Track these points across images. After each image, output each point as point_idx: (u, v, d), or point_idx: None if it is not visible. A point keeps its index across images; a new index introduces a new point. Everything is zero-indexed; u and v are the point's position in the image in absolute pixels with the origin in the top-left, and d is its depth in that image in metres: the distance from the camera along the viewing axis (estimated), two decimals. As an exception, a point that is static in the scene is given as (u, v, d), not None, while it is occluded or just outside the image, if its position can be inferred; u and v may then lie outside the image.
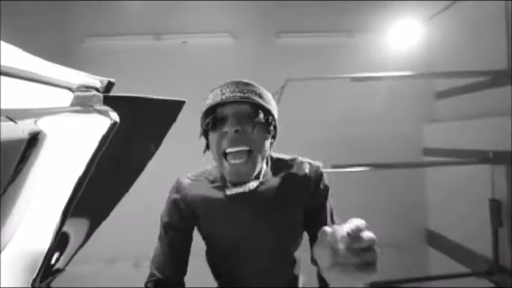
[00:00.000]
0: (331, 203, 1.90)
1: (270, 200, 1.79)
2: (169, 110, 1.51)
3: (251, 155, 1.66)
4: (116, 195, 1.54)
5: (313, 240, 1.86)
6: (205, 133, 1.77)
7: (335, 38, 6.52)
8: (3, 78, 0.88)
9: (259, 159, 1.70)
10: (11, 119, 0.80)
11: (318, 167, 1.90)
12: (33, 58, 1.02)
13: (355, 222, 1.03)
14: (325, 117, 6.28)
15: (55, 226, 1.13)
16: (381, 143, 6.29)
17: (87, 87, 1.21)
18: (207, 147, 1.80)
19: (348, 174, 4.63)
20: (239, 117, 1.64)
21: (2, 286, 1.02)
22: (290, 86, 4.50)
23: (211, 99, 1.72)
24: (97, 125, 1.13)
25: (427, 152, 6.70)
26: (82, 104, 1.17)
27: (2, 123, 0.79)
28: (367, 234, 1.03)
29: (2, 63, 0.87)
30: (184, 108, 1.53)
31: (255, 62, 6.26)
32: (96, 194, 1.34)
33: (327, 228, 1.03)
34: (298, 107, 5.60)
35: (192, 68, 6.19)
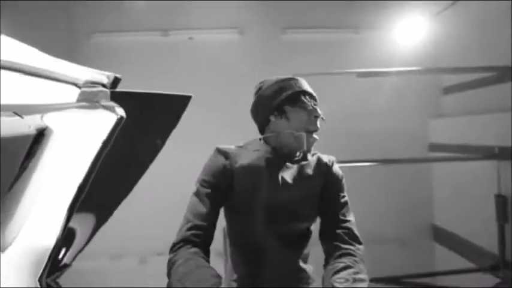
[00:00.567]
0: (344, 195, 2.07)
1: (303, 174, 1.99)
2: (175, 105, 1.51)
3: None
4: (122, 191, 1.54)
5: (321, 225, 2.05)
6: (279, 106, 2.03)
7: (341, 34, 6.51)
8: (10, 73, 0.88)
9: None
10: (18, 115, 0.80)
11: (333, 160, 2.15)
12: (40, 54, 1.02)
13: None
14: (331, 113, 6.22)
15: (61, 221, 1.13)
16: (387, 139, 6.28)
17: (94, 83, 1.21)
18: (264, 127, 2.08)
19: (354, 169, 4.63)
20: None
21: (9, 281, 1.02)
22: (296, 82, 4.51)
23: (287, 84, 2.10)
24: (103, 121, 1.13)
25: (433, 147, 6.69)
26: (88, 99, 1.17)
27: (9, 119, 0.79)
28: None
29: (9, 59, 0.88)
30: (191, 103, 1.53)
31: (261, 58, 6.26)
32: (102, 189, 1.34)
33: None
34: (304, 102, 5.58)
35: (199, 63, 6.20)
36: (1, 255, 0.97)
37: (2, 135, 0.75)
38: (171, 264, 1.68)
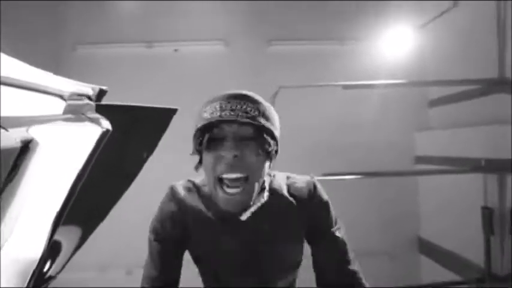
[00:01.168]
0: (338, 227, 1.80)
1: (266, 226, 1.70)
2: (161, 118, 1.51)
3: (248, 183, 1.55)
4: (108, 203, 1.54)
5: (316, 271, 1.81)
6: (198, 151, 1.64)
7: (327, 46, 6.55)
8: (-5, 86, 0.89)
9: (256, 187, 1.59)
10: (2, 127, 0.80)
11: (311, 183, 1.81)
12: (24, 66, 1.02)
13: None
14: (317, 125, 6.29)
15: (47, 234, 1.13)
16: (373, 151, 6.31)
17: (79, 95, 1.22)
18: (200, 164, 1.66)
19: (340, 182, 4.65)
20: (239, 140, 1.51)
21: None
22: (282, 94, 4.51)
23: (208, 114, 1.55)
24: (89, 133, 1.13)
25: (419, 160, 6.73)
26: (74, 112, 1.17)
27: (-5, 132, 0.79)
28: None
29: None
30: (177, 116, 1.53)
31: (247, 70, 6.29)
32: (89, 201, 1.33)
33: None
34: (290, 114, 5.60)
35: (184, 75, 6.21)
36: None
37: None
38: None
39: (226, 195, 1.53)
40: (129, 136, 1.42)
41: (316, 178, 1.84)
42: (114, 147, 1.21)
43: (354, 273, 1.74)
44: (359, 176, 5.00)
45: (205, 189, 1.77)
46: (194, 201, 1.76)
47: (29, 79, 1.02)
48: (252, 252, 1.71)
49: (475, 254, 5.02)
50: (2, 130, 0.80)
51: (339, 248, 1.76)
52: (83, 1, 6.18)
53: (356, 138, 6.37)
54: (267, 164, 1.62)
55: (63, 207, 1.12)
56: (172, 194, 1.81)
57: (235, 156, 1.48)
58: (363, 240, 6.17)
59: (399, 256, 6.60)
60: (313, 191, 1.77)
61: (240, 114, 1.50)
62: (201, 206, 1.74)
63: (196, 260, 1.85)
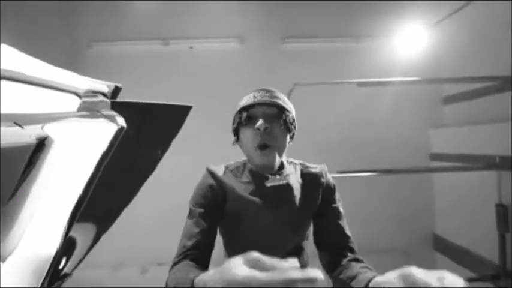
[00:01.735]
0: (340, 204, 2.12)
1: (290, 196, 2.01)
2: (176, 115, 1.51)
3: (274, 148, 1.93)
4: (123, 201, 1.54)
5: (319, 235, 2.11)
6: (236, 129, 2.04)
7: (342, 43, 6.52)
8: (10, 83, 0.88)
9: (281, 152, 2.00)
10: (18, 124, 0.80)
11: (324, 169, 2.15)
12: (40, 63, 1.02)
13: None
14: (332, 122, 6.27)
15: (62, 231, 1.13)
16: (388, 148, 6.28)
17: (94, 93, 1.22)
18: (237, 140, 2.07)
19: (355, 179, 4.63)
20: (268, 117, 1.92)
21: (10, 289, 1.02)
22: (297, 91, 4.50)
23: (245, 101, 2.00)
24: (104, 130, 1.13)
25: (434, 157, 6.69)
26: (89, 109, 1.17)
27: (10, 128, 0.79)
28: None
29: (9, 68, 0.88)
30: (192, 113, 1.53)
31: (262, 67, 6.27)
32: (103, 199, 1.34)
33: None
34: (305, 111, 5.57)
35: (199, 73, 6.20)
36: (1, 264, 0.97)
37: (2, 145, 0.75)
38: (166, 282, 1.70)
39: (261, 155, 1.90)
40: (144, 133, 1.42)
41: (326, 167, 2.17)
42: (128, 144, 1.21)
43: (349, 237, 2.04)
44: (374, 173, 4.98)
45: (240, 166, 2.12)
46: (227, 176, 2.04)
47: (44, 76, 1.02)
48: (273, 214, 1.98)
49: (489, 251, 4.99)
50: (18, 127, 0.80)
51: (340, 218, 2.08)
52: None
53: (371, 136, 6.34)
54: (288, 136, 2.01)
55: (78, 204, 1.12)
56: (209, 171, 2.05)
57: (266, 128, 1.86)
58: (377, 236, 6.14)
59: (414, 253, 6.55)
60: (325, 177, 2.12)
61: (267, 99, 1.96)
62: (236, 184, 2.01)
63: (226, 227, 2.08)
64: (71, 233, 1.18)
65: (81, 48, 6.24)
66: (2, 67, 0.86)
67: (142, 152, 1.50)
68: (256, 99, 1.95)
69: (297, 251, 2.10)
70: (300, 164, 2.19)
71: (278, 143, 1.95)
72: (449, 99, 6.53)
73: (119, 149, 1.15)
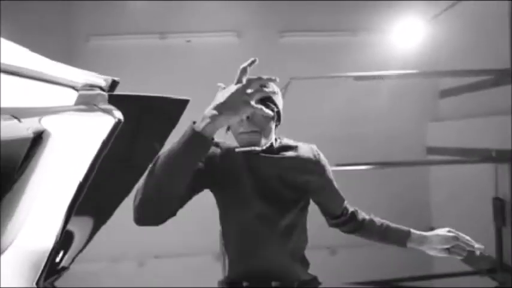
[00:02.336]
0: (330, 172, 2.23)
1: (286, 166, 2.07)
2: (173, 109, 1.52)
3: (258, 133, 1.96)
4: (120, 194, 1.55)
5: (324, 208, 2.28)
6: None
7: (339, 37, 6.52)
8: (8, 76, 0.88)
9: (265, 135, 2.00)
10: (15, 117, 0.80)
11: (315, 148, 2.22)
12: (38, 57, 1.02)
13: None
14: (328, 116, 6.28)
15: (59, 225, 1.13)
16: (385, 142, 6.29)
17: (92, 86, 1.22)
18: (228, 128, 2.07)
19: (351, 172, 4.64)
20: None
21: (6, 285, 1.02)
22: (294, 85, 4.50)
23: None
24: (101, 124, 1.13)
25: (431, 150, 6.70)
26: (87, 102, 1.18)
27: (7, 122, 0.79)
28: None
29: (7, 62, 0.88)
30: (189, 106, 1.54)
31: (259, 61, 6.27)
32: (101, 192, 1.34)
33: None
34: (302, 105, 5.59)
35: (196, 66, 6.20)
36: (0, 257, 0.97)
37: (0, 139, 0.75)
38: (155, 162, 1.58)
39: (246, 136, 1.95)
40: (141, 126, 1.42)
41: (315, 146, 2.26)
42: (126, 137, 1.21)
43: (347, 208, 2.26)
44: (371, 167, 4.99)
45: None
46: (220, 147, 2.11)
47: (42, 70, 1.02)
48: (265, 180, 2.06)
49: (486, 244, 4.99)
50: (15, 120, 0.80)
51: (338, 194, 2.25)
52: (96, -7, 6.20)
53: (367, 129, 6.35)
54: (273, 123, 2.05)
55: (75, 197, 1.12)
56: (218, 142, 2.13)
57: (247, 117, 1.91)
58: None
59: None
60: (317, 155, 2.18)
61: None
62: (224, 148, 2.10)
63: (221, 192, 2.12)
64: (69, 227, 1.18)
65: (79, 42, 6.23)
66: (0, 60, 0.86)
67: (139, 145, 1.51)
68: None
69: (290, 227, 2.11)
70: (294, 143, 2.23)
71: (262, 128, 1.98)
72: (446, 93, 6.54)
73: (117, 142, 1.15)
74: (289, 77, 4.55)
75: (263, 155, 2.05)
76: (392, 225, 2.44)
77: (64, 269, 1.45)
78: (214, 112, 1.43)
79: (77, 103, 1.17)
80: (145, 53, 6.29)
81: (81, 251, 1.53)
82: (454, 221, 5.96)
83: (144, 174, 1.51)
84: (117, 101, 1.24)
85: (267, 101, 2.02)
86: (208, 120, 1.42)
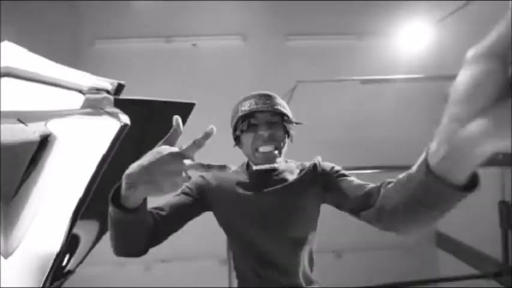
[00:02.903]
0: (337, 167, 2.03)
1: (288, 190, 1.95)
2: (179, 113, 1.51)
3: (277, 150, 1.91)
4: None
5: (345, 204, 1.93)
6: (237, 135, 1.99)
7: (345, 41, 6.51)
8: (14, 80, 0.89)
9: (281, 151, 1.94)
10: (22, 122, 0.80)
11: (319, 159, 2.08)
12: (44, 61, 1.02)
13: None
14: (335, 120, 6.27)
15: (65, 228, 1.13)
16: (391, 146, 6.27)
17: (98, 90, 1.22)
18: (237, 144, 2.04)
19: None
20: (270, 124, 1.93)
21: (13, 286, 1.02)
22: (300, 88, 4.50)
23: (247, 107, 1.96)
24: (107, 127, 1.13)
25: (437, 154, 6.69)
26: (93, 106, 1.18)
27: (14, 125, 0.79)
28: None
29: (13, 66, 0.88)
30: (195, 110, 1.53)
31: (265, 64, 6.26)
32: (106, 196, 1.34)
33: None
34: (308, 109, 5.58)
35: (202, 70, 6.20)
36: (5, 260, 0.97)
37: (7, 142, 0.75)
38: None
39: (263, 155, 1.91)
40: (147, 130, 1.42)
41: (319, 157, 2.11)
42: (131, 141, 1.21)
43: (363, 185, 1.93)
44: (377, 171, 4.97)
45: (239, 169, 2.10)
46: (222, 175, 2.05)
47: (48, 74, 1.03)
48: (266, 199, 1.96)
49: (492, 248, 4.98)
50: (21, 124, 0.80)
51: (346, 176, 2.02)
52: (102, -4, 6.20)
53: (373, 133, 6.32)
54: (287, 138, 1.97)
55: (81, 201, 1.12)
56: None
57: (270, 134, 1.87)
58: (380, 234, 6.09)
59: (417, 250, 6.54)
60: (318, 164, 2.03)
61: (270, 107, 1.94)
62: (225, 176, 2.04)
63: (221, 225, 2.05)
64: (75, 230, 1.19)
65: (85, 45, 6.24)
66: (6, 64, 0.86)
67: (145, 149, 1.50)
68: (258, 106, 1.94)
69: (299, 243, 1.99)
70: (295, 162, 2.15)
71: (280, 145, 1.94)
72: (453, 97, 6.53)
73: (122, 146, 1.15)
74: (295, 80, 4.54)
75: (266, 173, 2.01)
76: (405, 176, 1.94)
77: (70, 272, 1.45)
78: (129, 183, 1.20)
79: (83, 107, 1.17)
80: (151, 57, 6.28)
81: (86, 254, 1.53)
82: (460, 224, 5.95)
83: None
84: (123, 104, 1.24)
85: (284, 118, 1.98)
86: (125, 191, 1.15)
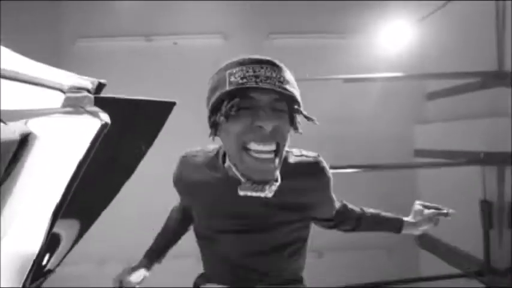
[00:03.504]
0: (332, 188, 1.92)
1: (280, 196, 1.53)
2: (160, 111, 1.51)
3: (278, 152, 1.44)
4: (106, 196, 1.54)
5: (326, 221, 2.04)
6: (214, 121, 1.50)
7: (327, 40, 6.53)
8: (-7, 79, 0.88)
9: (281, 156, 1.48)
10: (1, 120, 0.80)
11: (321, 161, 1.83)
12: (23, 59, 1.01)
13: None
14: (316, 118, 6.28)
15: (46, 227, 1.13)
16: (372, 144, 6.30)
17: (78, 89, 1.21)
18: (214, 133, 1.54)
19: (338, 175, 4.64)
20: (274, 112, 1.40)
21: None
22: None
23: (239, 78, 1.43)
24: (88, 126, 1.13)
25: (418, 153, 6.73)
26: (73, 105, 1.17)
27: (-7, 125, 0.78)
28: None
29: (-7, 65, 0.87)
30: (175, 109, 1.53)
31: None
32: (87, 195, 1.34)
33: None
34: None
35: (183, 69, 6.19)
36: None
37: (-15, 141, 0.74)
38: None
39: (255, 162, 1.38)
40: (128, 129, 1.42)
41: (321, 158, 1.87)
42: (112, 140, 1.21)
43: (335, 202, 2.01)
44: (358, 169, 5.00)
45: (211, 154, 1.75)
46: (199, 166, 1.74)
47: (28, 72, 1.02)
48: (250, 217, 1.66)
49: (474, 247, 5.03)
50: (1, 123, 0.80)
51: (334, 202, 2.01)
52: (82, -5, 6.18)
53: (354, 131, 6.36)
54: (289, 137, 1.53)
55: (62, 200, 1.12)
56: (180, 159, 1.89)
57: (274, 128, 1.37)
58: (361, 234, 6.13)
59: (398, 250, 6.57)
60: (320, 170, 1.78)
61: (277, 83, 1.41)
62: (205, 171, 1.71)
63: (198, 228, 1.89)
64: (55, 229, 1.18)
65: (66, 44, 6.21)
66: (-16, 63, 0.86)
67: (126, 148, 1.50)
68: (258, 80, 1.39)
69: (282, 248, 1.76)
70: (296, 155, 1.78)
71: (284, 145, 1.48)
72: (434, 95, 6.58)
73: (103, 145, 1.15)
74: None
75: (246, 189, 1.45)
76: (383, 214, 2.38)
77: (50, 272, 1.45)
78: None
79: (64, 105, 1.16)
80: (132, 55, 6.27)
81: (67, 253, 1.53)
82: (442, 223, 5.98)
83: (130, 175, 1.50)
84: (103, 103, 1.23)
85: (294, 104, 1.51)
86: None
